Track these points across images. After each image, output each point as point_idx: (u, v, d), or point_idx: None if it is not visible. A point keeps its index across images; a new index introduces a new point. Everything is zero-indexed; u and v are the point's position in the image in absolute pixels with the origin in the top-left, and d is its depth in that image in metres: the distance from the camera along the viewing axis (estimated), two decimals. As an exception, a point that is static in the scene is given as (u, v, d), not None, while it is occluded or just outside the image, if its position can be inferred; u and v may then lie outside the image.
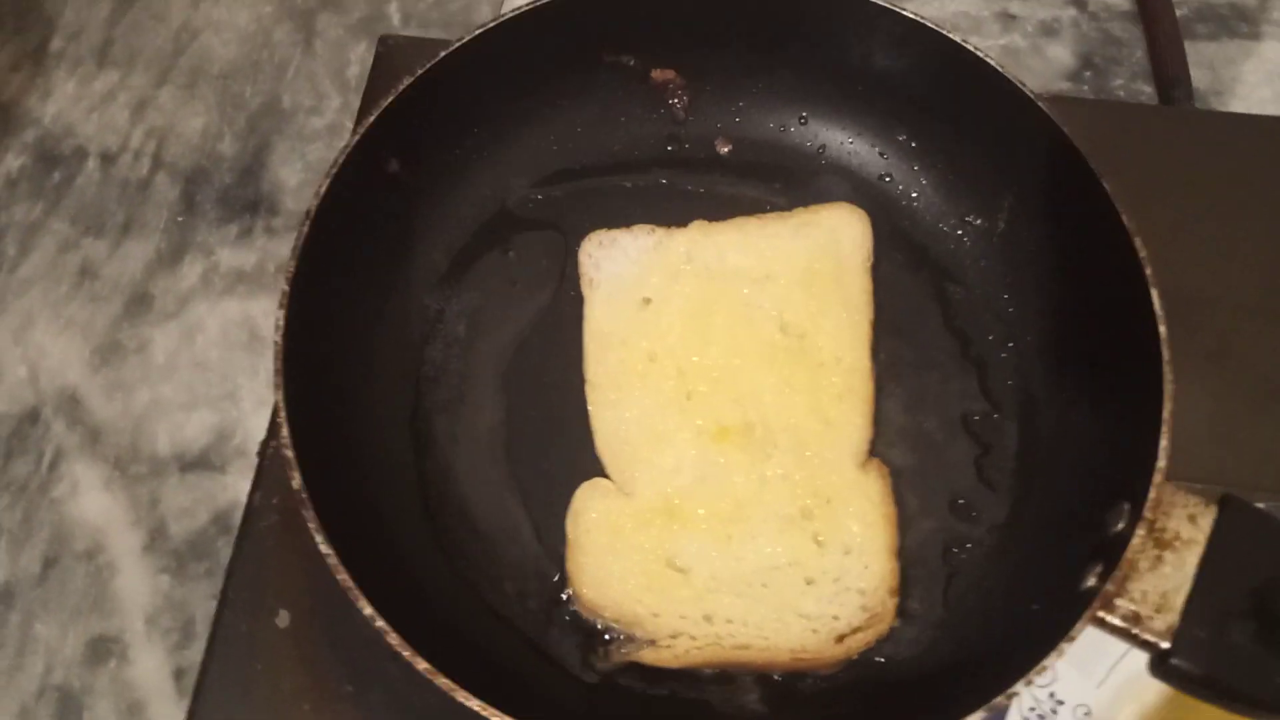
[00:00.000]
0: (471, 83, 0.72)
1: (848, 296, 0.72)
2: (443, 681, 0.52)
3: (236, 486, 0.93)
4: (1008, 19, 1.10)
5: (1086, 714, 0.69)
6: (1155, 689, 0.68)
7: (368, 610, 0.54)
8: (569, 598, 0.66)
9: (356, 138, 0.65)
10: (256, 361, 0.98)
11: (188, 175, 1.07)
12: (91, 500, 0.92)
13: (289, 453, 0.57)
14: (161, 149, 1.08)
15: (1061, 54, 1.09)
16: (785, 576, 0.65)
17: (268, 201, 1.06)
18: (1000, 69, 0.69)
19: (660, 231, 0.74)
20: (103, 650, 0.87)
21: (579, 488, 0.69)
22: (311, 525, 0.56)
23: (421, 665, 0.53)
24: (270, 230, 1.04)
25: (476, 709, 0.53)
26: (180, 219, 1.04)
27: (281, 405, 0.58)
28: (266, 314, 1.00)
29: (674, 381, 0.70)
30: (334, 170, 0.64)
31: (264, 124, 1.10)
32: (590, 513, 0.67)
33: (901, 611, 0.65)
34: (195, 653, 0.87)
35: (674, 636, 0.63)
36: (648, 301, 0.73)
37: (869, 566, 0.65)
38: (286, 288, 0.61)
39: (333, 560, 0.55)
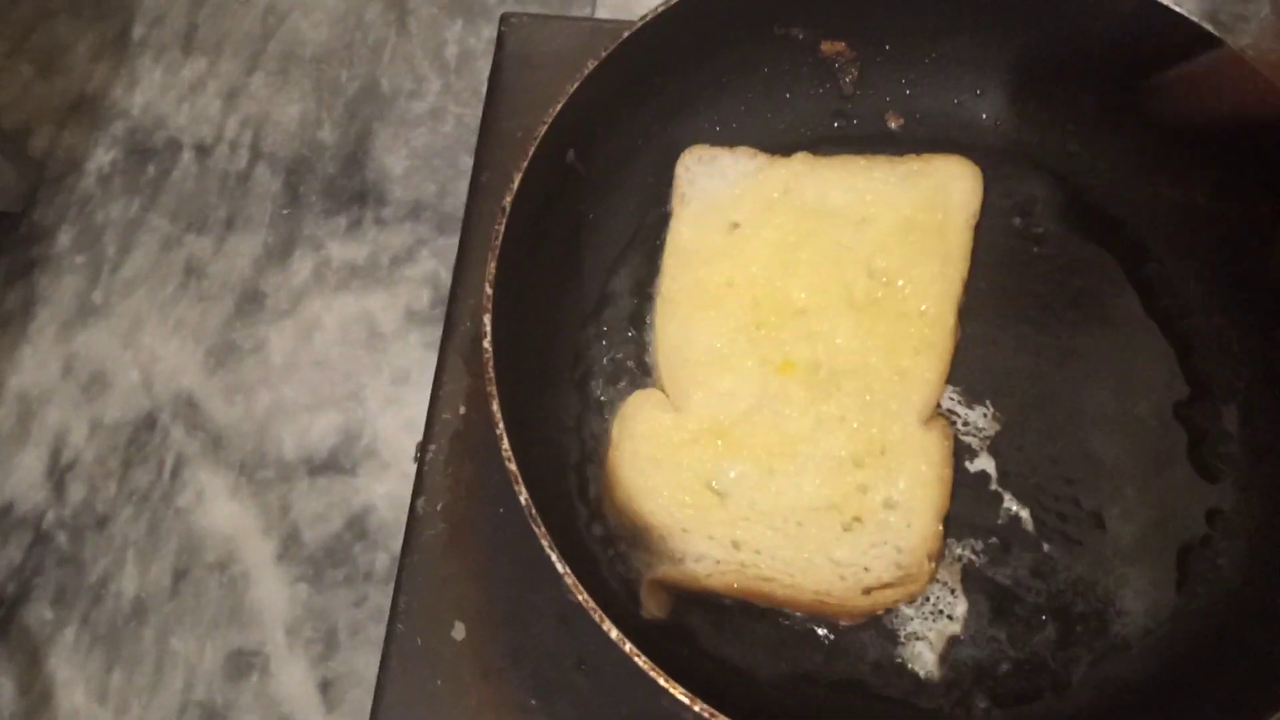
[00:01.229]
0: (645, 65, 0.68)
1: (946, 251, 0.70)
2: (644, 661, 0.49)
3: (369, 489, 0.90)
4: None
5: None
6: None
7: (614, 634, 0.51)
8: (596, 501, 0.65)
9: (544, 128, 0.61)
10: (379, 359, 0.94)
11: (289, 166, 1.03)
12: (219, 508, 0.89)
13: (512, 466, 0.54)
14: (259, 138, 1.04)
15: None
16: (823, 518, 0.63)
17: (375, 191, 1.02)
18: (1204, 25, 0.65)
19: (763, 157, 0.71)
20: (243, 664, 0.84)
21: (633, 394, 0.67)
22: (545, 544, 0.53)
23: (615, 635, 0.50)
24: (380, 221, 1.00)
25: (681, 697, 0.50)
26: (285, 212, 1.00)
27: (498, 416, 0.55)
28: (384, 309, 0.96)
29: (748, 310, 0.68)
30: (525, 164, 0.60)
31: (363, 109, 1.06)
32: (639, 421, 0.66)
33: (1133, 605, 0.63)
34: (339, 663, 0.84)
35: (698, 558, 0.62)
36: (736, 226, 0.71)
37: (911, 525, 0.63)
38: (490, 290, 0.57)
39: (570, 580, 0.52)
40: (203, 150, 1.03)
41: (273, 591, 0.86)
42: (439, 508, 0.73)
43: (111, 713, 0.82)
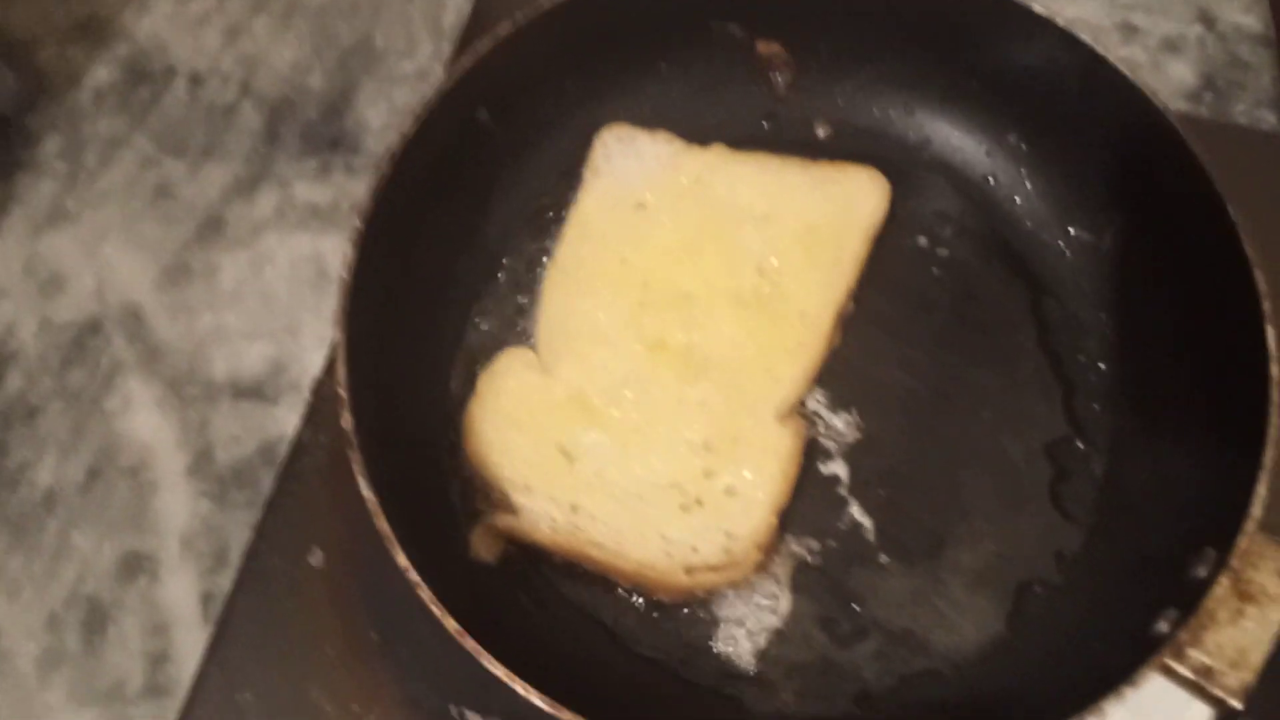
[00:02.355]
0: (572, 37, 0.70)
1: (839, 259, 0.71)
2: (470, 644, 0.50)
3: (286, 420, 0.92)
4: (1130, 30, 1.04)
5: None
6: None
7: (402, 561, 0.52)
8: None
9: (449, 83, 0.63)
10: (321, 299, 0.97)
11: (273, 106, 1.06)
12: (143, 417, 0.92)
13: (342, 392, 0.55)
14: (250, 77, 1.08)
15: (1183, 72, 1.03)
16: (663, 496, 0.65)
17: (350, 140, 1.04)
18: (1133, 79, 0.65)
19: (680, 144, 0.73)
20: (135, 566, 0.87)
21: (505, 350, 0.69)
22: (356, 468, 0.54)
23: (451, 625, 0.51)
24: (349, 169, 1.03)
25: (501, 676, 0.51)
26: (261, 149, 1.03)
27: (341, 343, 0.56)
28: (336, 251, 0.99)
29: (636, 289, 0.70)
30: (422, 113, 0.62)
31: (354, 62, 1.08)
32: (507, 377, 0.68)
33: (958, 630, 0.62)
34: (225, 580, 0.86)
35: (536, 515, 0.64)
36: (642, 207, 0.72)
37: (747, 514, 0.64)
38: (360, 225, 0.59)
39: (373, 506, 0.53)
40: (196, 80, 1.07)
41: (176, 502, 0.88)
42: (323, 440, 0.75)
43: (4, 595, 0.85)
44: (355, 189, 1.01)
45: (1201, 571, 0.55)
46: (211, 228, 1.00)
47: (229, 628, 0.69)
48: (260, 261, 0.98)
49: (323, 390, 0.75)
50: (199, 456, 0.90)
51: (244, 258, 0.98)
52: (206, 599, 0.85)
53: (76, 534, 0.87)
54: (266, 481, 0.89)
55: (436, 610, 0.51)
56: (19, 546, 0.87)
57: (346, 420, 0.55)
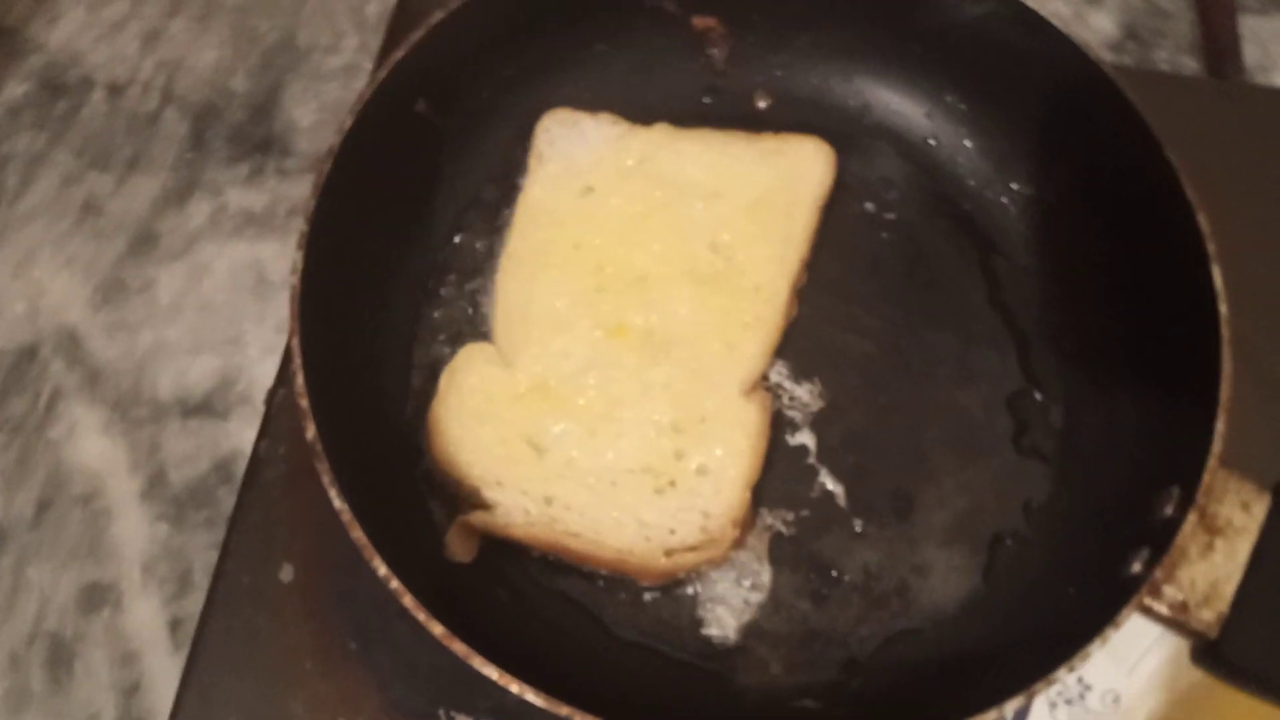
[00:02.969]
0: (506, 21, 0.69)
1: (790, 231, 0.71)
2: (459, 647, 0.50)
3: (240, 434, 0.90)
4: (1053, -17, 1.06)
5: (1115, 700, 0.67)
6: (1188, 677, 0.66)
7: (382, 570, 0.51)
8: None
9: (384, 73, 0.62)
10: (264, 307, 0.95)
11: (198, 111, 1.03)
12: (90, 443, 0.90)
13: (303, 402, 0.54)
14: (172, 82, 1.05)
15: (1105, 23, 1.05)
16: (636, 481, 0.64)
17: (280, 142, 1.02)
18: (1065, 31, 0.65)
19: (624, 125, 0.72)
20: (97, 597, 0.85)
21: (464, 346, 0.68)
22: (325, 479, 0.53)
23: (437, 630, 0.50)
24: (282, 171, 1.00)
25: (494, 677, 0.50)
26: (189, 156, 1.01)
27: (297, 351, 0.55)
28: (275, 257, 0.97)
29: (591, 274, 0.69)
30: (359, 106, 0.61)
31: (278, 61, 1.06)
32: (468, 374, 0.67)
33: (936, 588, 0.63)
34: (192, 603, 0.85)
35: (509, 509, 0.63)
36: (590, 190, 0.71)
37: (720, 492, 0.64)
38: (306, 227, 0.58)
39: (346, 516, 0.52)
40: (115, 90, 1.04)
41: (133, 528, 0.86)
42: (281, 451, 0.74)
43: (-39, 636, 0.83)
44: (290, 191, 0.99)
45: (1168, 510, 0.56)
46: (144, 241, 0.97)
47: (203, 651, 0.67)
48: (198, 273, 0.96)
49: (276, 401, 0.74)
50: (152, 479, 0.88)
51: (180, 270, 0.96)
52: (175, 624, 0.83)
53: (31, 569, 0.85)
54: (225, 500, 0.88)
55: (421, 616, 0.50)
56: (-29, 586, 0.84)
57: (310, 431, 0.54)
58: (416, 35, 0.63)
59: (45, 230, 0.97)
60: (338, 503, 0.53)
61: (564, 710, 0.49)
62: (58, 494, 0.88)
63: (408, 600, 0.50)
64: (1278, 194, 0.78)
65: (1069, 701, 0.67)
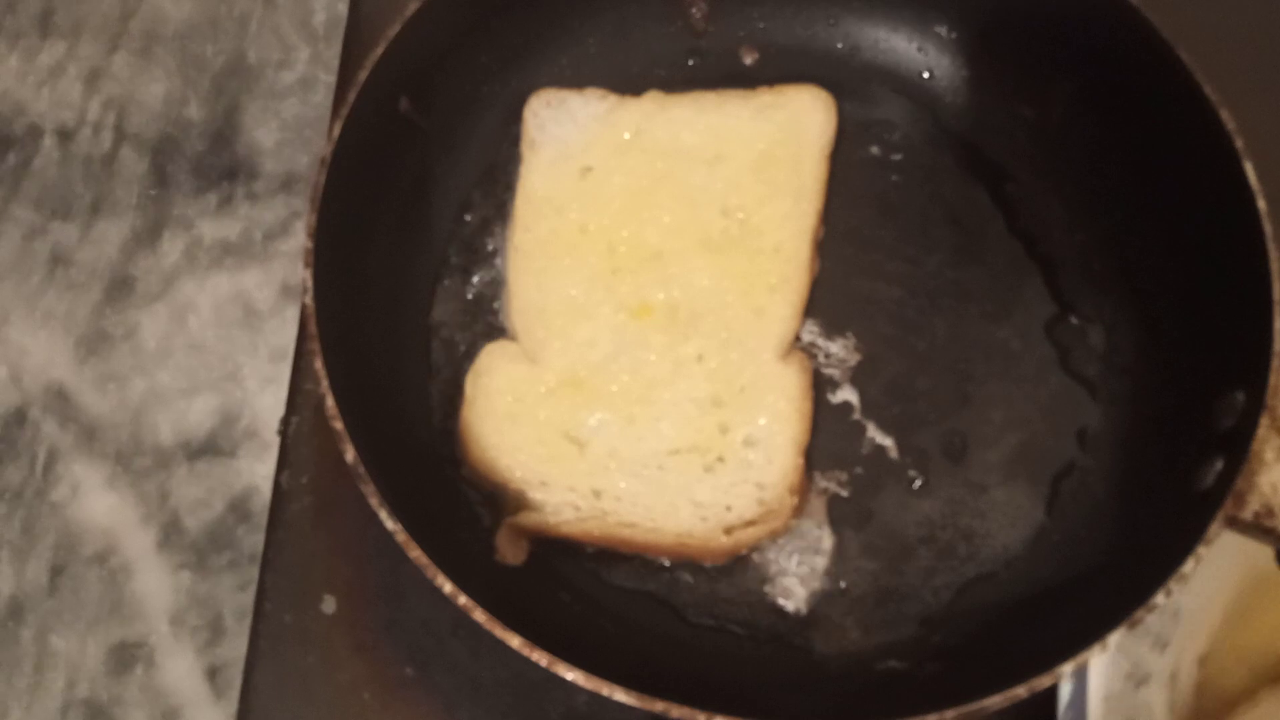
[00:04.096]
0: (480, 5, 0.66)
1: (800, 185, 0.68)
2: (540, 656, 0.48)
3: (251, 470, 0.87)
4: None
5: (1174, 614, 0.66)
6: (1239, 583, 0.64)
7: (448, 588, 0.49)
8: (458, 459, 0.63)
9: (366, 74, 0.59)
10: (255, 337, 0.92)
11: (155, 146, 0.99)
12: (96, 500, 0.86)
13: (338, 425, 0.52)
14: (123, 120, 1.00)
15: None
16: (684, 461, 0.62)
17: (246, 166, 0.98)
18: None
19: (613, 99, 0.70)
20: (128, 657, 0.82)
21: (485, 348, 0.65)
22: (373, 501, 0.51)
23: (515, 641, 0.48)
24: (252, 196, 0.97)
25: (581, 681, 0.48)
26: (153, 193, 0.97)
27: (323, 374, 0.52)
28: (259, 285, 0.93)
29: (603, 256, 0.67)
30: (345, 112, 0.58)
31: (231, 84, 1.02)
32: (494, 375, 0.64)
33: (1002, 529, 0.62)
34: (228, 649, 0.82)
35: (558, 508, 0.61)
36: (588, 171, 0.69)
37: (772, 461, 0.62)
38: (310, 244, 0.55)
39: (402, 537, 0.50)
40: (65, 135, 1.00)
41: (155, 581, 0.83)
42: (304, 481, 0.71)
43: (-10, 719, 0.79)
44: (264, 216, 0.96)
45: (1232, 419, 0.55)
46: (120, 287, 0.94)
47: (254, 697, 0.65)
48: (181, 312, 0.93)
49: (290, 430, 0.71)
50: (166, 529, 0.85)
51: (163, 312, 0.93)
52: (212, 672, 0.81)
53: (55, 638, 0.82)
54: (246, 539, 0.85)
55: (498, 631, 0.48)
56: (-6, 665, 0.81)
57: (350, 453, 0.51)
58: (392, 30, 0.61)
59: (15, 289, 0.93)
60: (390, 524, 0.50)
61: (659, 706, 0.46)
62: (70, 557, 0.84)
63: (479, 615, 0.48)
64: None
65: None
